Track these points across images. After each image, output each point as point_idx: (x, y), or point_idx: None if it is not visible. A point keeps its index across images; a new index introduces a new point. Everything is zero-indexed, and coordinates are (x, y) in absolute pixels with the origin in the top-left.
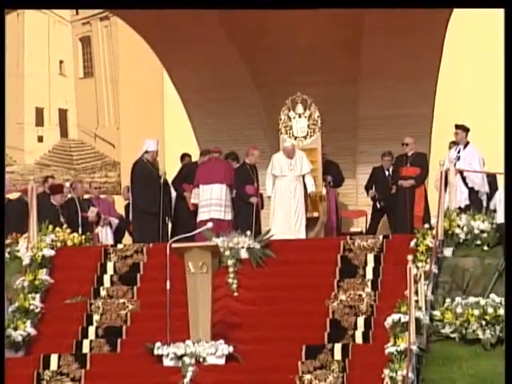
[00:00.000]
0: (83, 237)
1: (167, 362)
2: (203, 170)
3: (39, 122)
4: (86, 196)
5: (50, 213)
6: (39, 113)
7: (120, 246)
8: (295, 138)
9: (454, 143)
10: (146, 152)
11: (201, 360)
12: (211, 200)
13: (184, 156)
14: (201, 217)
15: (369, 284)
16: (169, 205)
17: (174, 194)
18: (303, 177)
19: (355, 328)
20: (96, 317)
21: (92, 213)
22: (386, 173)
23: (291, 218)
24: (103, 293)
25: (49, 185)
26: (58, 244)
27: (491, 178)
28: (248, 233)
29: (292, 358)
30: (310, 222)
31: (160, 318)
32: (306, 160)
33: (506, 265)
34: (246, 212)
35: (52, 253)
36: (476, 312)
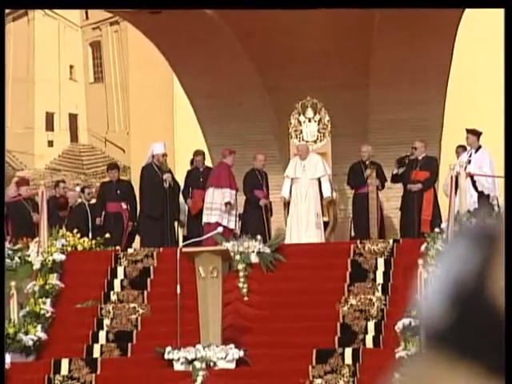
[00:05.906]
0: (93, 241)
1: (178, 367)
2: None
3: (49, 126)
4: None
5: (58, 218)
6: (49, 117)
7: (130, 251)
8: (306, 143)
9: (461, 147)
10: (153, 156)
11: (211, 364)
12: (204, 204)
13: (196, 154)
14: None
15: (379, 288)
16: (176, 208)
17: (182, 198)
18: (319, 181)
19: (366, 332)
20: (106, 321)
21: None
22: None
23: (302, 222)
24: (114, 297)
25: (58, 199)
26: (69, 248)
27: None
28: (258, 237)
29: (302, 363)
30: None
31: (170, 323)
32: (322, 164)
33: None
34: (256, 216)
35: (62, 257)
36: None
